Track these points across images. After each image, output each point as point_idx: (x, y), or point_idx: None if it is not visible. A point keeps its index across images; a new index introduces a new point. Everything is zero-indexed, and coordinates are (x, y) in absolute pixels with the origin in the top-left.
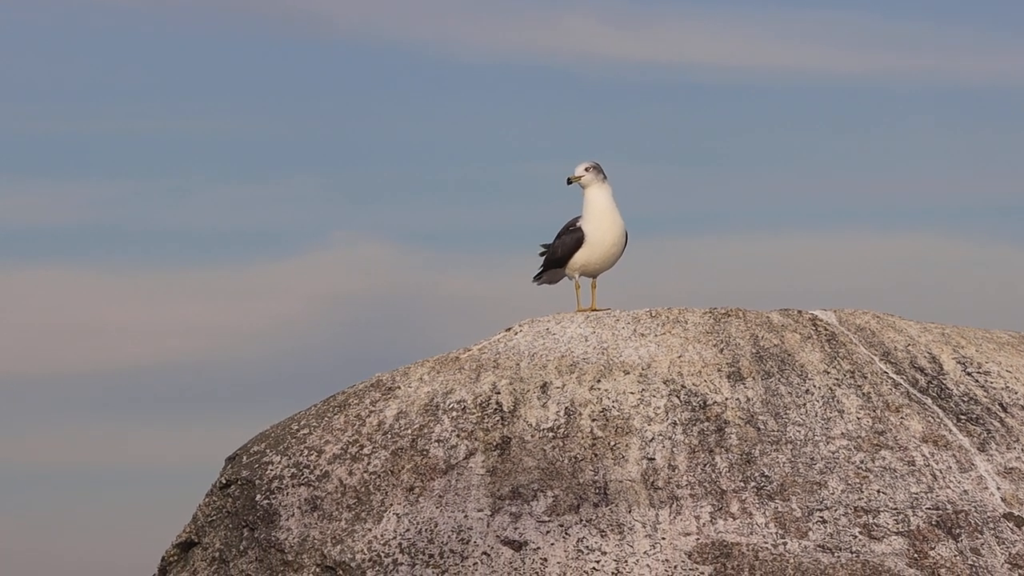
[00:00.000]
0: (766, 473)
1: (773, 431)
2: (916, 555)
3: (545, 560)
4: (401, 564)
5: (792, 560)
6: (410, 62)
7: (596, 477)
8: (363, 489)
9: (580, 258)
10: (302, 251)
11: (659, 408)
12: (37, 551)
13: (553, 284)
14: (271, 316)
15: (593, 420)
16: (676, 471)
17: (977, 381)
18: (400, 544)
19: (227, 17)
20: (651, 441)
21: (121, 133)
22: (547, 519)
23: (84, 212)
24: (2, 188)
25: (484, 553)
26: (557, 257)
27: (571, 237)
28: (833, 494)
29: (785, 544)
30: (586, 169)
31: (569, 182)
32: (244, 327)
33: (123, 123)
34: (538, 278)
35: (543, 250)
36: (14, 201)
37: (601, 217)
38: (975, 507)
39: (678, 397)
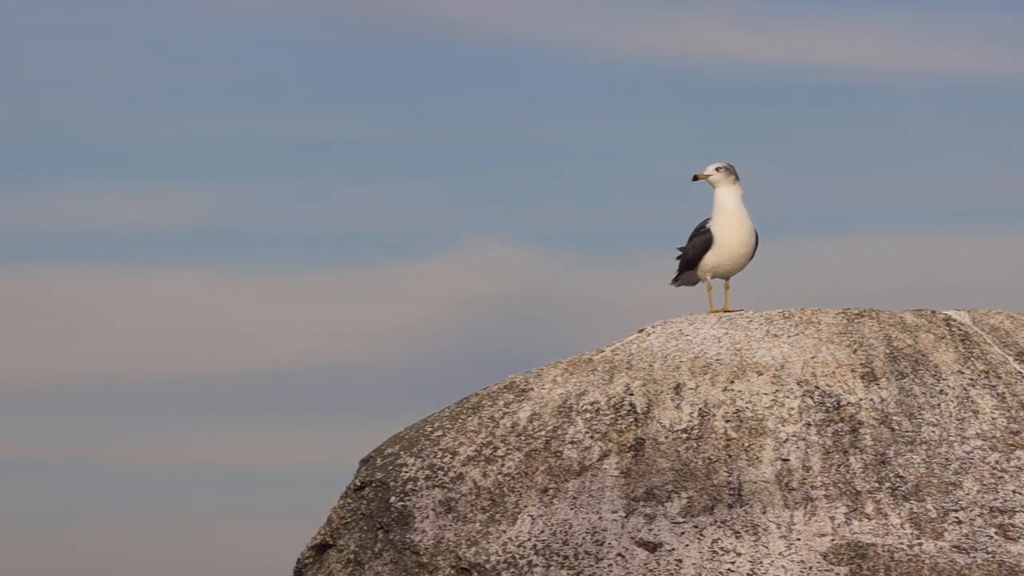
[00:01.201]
0: (901, 474)
1: (907, 432)
2: None
3: (680, 561)
4: (536, 566)
5: (928, 561)
6: (540, 64)
7: (730, 478)
8: (497, 491)
9: (710, 260)
10: (433, 254)
11: (793, 409)
12: (173, 553)
13: (692, 286)
14: (403, 319)
15: (727, 421)
16: (810, 472)
17: None
18: (535, 546)
19: (358, 21)
20: (785, 442)
21: (253, 136)
22: (681, 520)
23: (216, 215)
24: (133, 191)
25: (619, 554)
26: (688, 259)
27: (700, 239)
28: (968, 494)
29: (920, 545)
30: (716, 169)
31: (695, 179)
32: (376, 330)
33: (254, 126)
34: (676, 280)
35: (679, 253)
36: (146, 204)
37: (729, 218)
38: None
39: (812, 398)
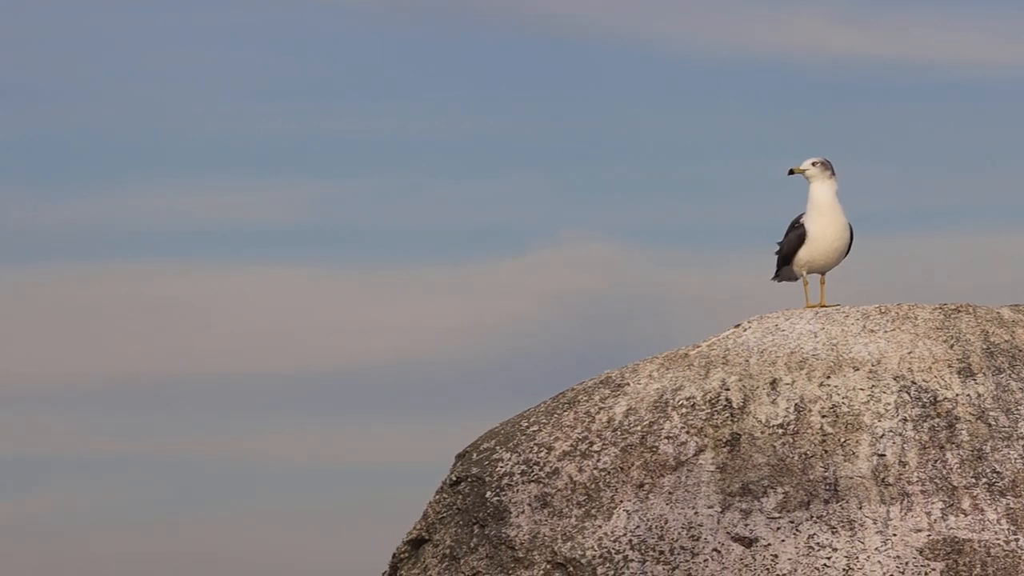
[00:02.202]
0: (997, 469)
1: (1004, 427)
2: None
3: (775, 557)
4: (631, 561)
5: None
6: (640, 60)
7: (826, 474)
8: (593, 486)
9: (804, 255)
10: (531, 249)
11: (889, 404)
12: (270, 549)
13: (792, 282)
14: (500, 314)
15: (823, 416)
16: (907, 467)
17: None
18: (630, 541)
19: (459, 17)
20: (881, 437)
21: (351, 131)
22: (777, 516)
23: (319, 210)
24: (239, 186)
25: (715, 550)
26: (783, 255)
27: (794, 234)
28: None
29: (1017, 541)
30: (812, 163)
31: (791, 172)
32: (473, 325)
33: (353, 121)
34: (776, 276)
35: (777, 248)
36: (248, 199)
37: (822, 213)
38: None
39: (908, 393)
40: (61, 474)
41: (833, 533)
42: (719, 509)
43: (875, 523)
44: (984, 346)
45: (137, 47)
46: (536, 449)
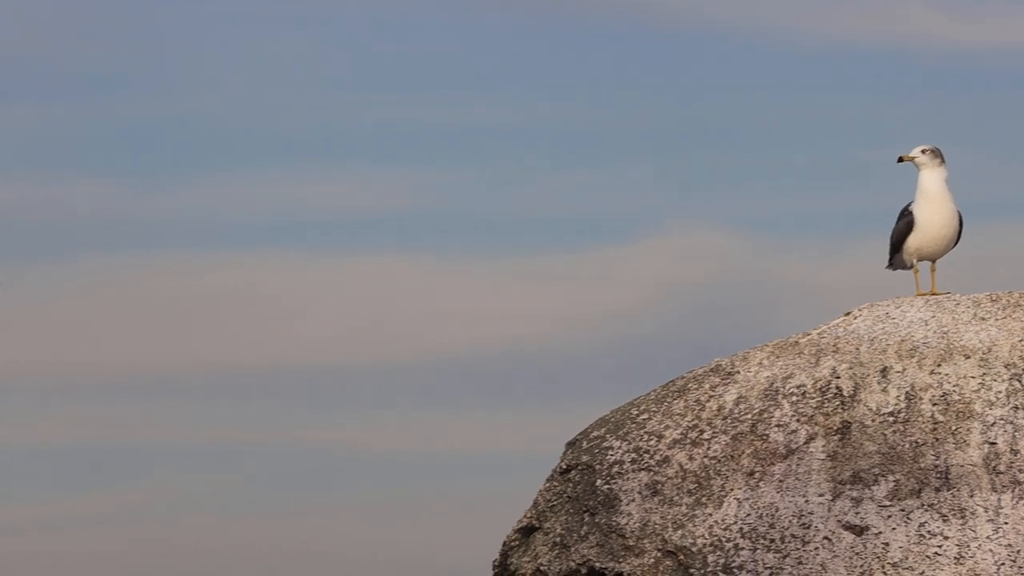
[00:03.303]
0: None
1: None
2: None
3: (887, 545)
4: (742, 549)
5: None
6: (747, 48)
7: (937, 462)
8: (703, 474)
9: (912, 242)
10: (636, 239)
11: (1000, 392)
12: (381, 537)
13: (906, 270)
14: (607, 303)
15: (934, 404)
16: (1018, 455)
17: None
18: (741, 529)
19: (570, 6)
20: (992, 425)
21: (461, 121)
22: (888, 504)
23: (430, 199)
24: (350, 175)
25: (825, 538)
26: (893, 242)
27: (903, 222)
28: None
29: None
30: (922, 151)
31: (900, 160)
32: (583, 313)
33: (462, 111)
34: (889, 264)
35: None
36: (360, 187)
37: (931, 201)
38: None
39: (1019, 381)
40: (166, 462)
41: (944, 521)
42: (830, 497)
43: (986, 511)
44: None
45: (248, 36)
46: (646, 437)
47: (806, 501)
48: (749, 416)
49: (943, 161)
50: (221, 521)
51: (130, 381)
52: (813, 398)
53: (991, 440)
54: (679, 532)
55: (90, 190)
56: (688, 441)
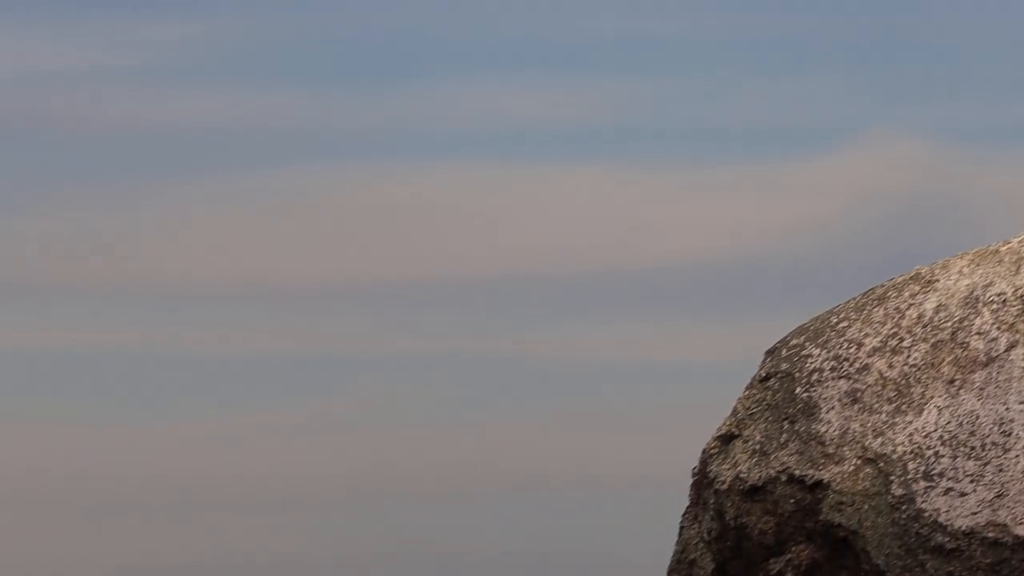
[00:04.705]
0: None
1: None
2: None
3: None
4: (942, 456)
5: None
6: None
7: None
8: (903, 382)
9: None
10: (837, 148)
11: None
12: (574, 450)
13: None
14: (807, 212)
15: None
16: None
17: None
18: (941, 436)
19: None
20: None
21: (662, 30)
22: None
23: (625, 111)
24: (549, 85)
25: None
26: None
27: None
28: None
29: None
30: None
31: None
32: (782, 223)
33: (666, 21)
34: None
35: None
36: (558, 98)
37: None
38: None
39: None
40: (366, 373)
41: None
42: None
43: None
44: None
45: None
46: (846, 345)
47: (1007, 409)
48: (949, 324)
49: None
50: (414, 432)
51: (331, 291)
52: (1014, 306)
53: None
54: (879, 440)
55: (292, 101)
56: (888, 349)
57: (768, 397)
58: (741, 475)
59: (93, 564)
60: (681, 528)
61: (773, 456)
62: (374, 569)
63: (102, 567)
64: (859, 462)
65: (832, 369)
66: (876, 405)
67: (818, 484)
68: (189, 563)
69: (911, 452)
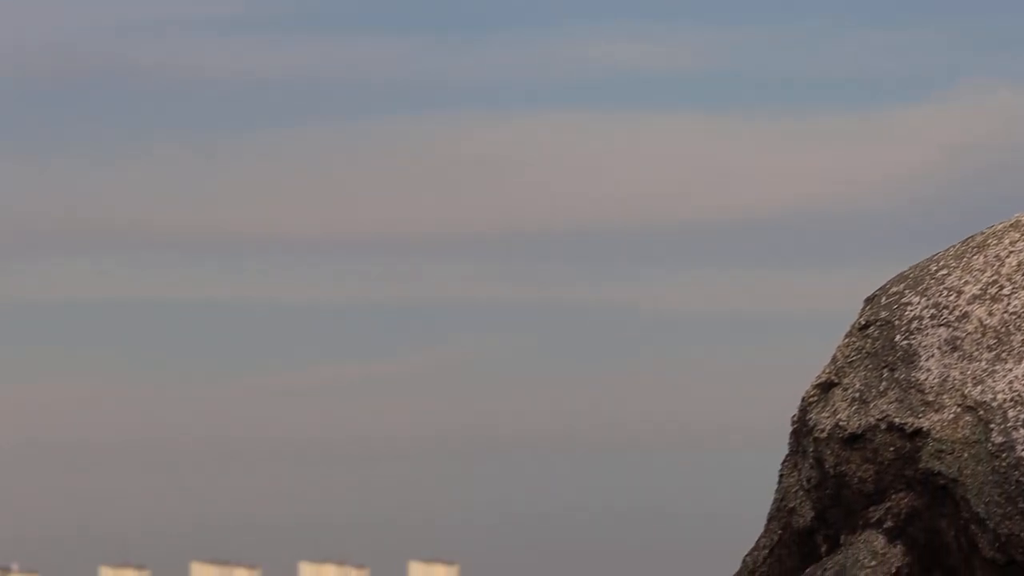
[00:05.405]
0: None
1: None
2: None
3: None
4: None
5: None
6: None
7: None
8: (1003, 330)
9: None
10: (935, 97)
11: None
12: (673, 400)
13: None
14: (905, 161)
15: None
16: None
17: None
18: None
19: None
20: None
21: None
22: None
23: (721, 59)
24: (647, 35)
25: None
26: None
27: None
28: None
29: None
30: None
31: None
32: (878, 172)
33: None
34: None
35: None
36: (657, 47)
37: None
38: None
39: None
40: (466, 321)
41: None
42: None
43: None
44: None
45: None
46: (945, 293)
47: None
48: None
49: None
50: (513, 381)
51: (431, 241)
52: None
53: None
54: (979, 388)
55: (393, 51)
56: (988, 297)
57: (867, 345)
58: (840, 423)
59: (204, 514)
60: (780, 476)
61: (872, 404)
62: (478, 521)
63: (212, 517)
64: (959, 410)
65: (932, 317)
66: (976, 353)
67: (918, 432)
68: (280, 514)
69: (1011, 400)
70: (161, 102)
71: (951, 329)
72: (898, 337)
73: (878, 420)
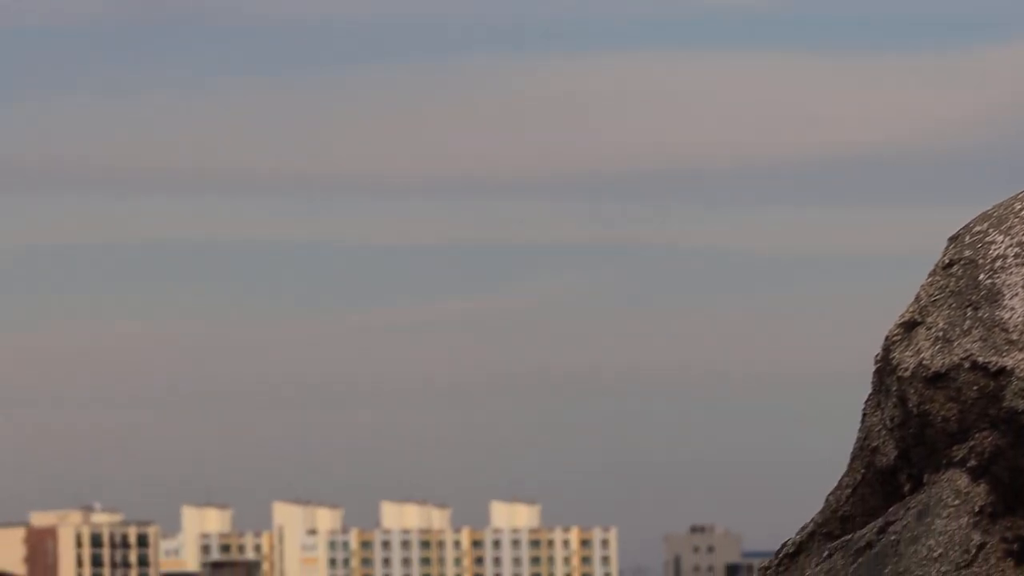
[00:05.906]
0: None
1: None
2: None
3: None
4: None
5: None
6: None
7: None
8: None
9: None
10: (1020, 38)
11: None
12: (765, 340)
13: None
14: (989, 101)
15: None
16: None
17: None
18: None
19: None
20: None
21: None
22: None
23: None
24: None
25: None
26: None
27: None
28: None
29: None
30: None
31: None
32: (961, 113)
33: None
34: None
35: None
36: None
37: None
38: None
39: None
40: (553, 260)
41: None
42: None
43: None
44: None
45: None
46: None
47: None
48: None
49: None
50: (587, 326)
51: (514, 182)
52: None
53: None
54: None
55: None
56: None
57: (951, 284)
58: (924, 362)
59: (287, 455)
60: (864, 415)
61: (956, 343)
62: (560, 462)
63: (295, 457)
64: None
65: (1016, 256)
66: None
67: (1002, 371)
68: (363, 454)
69: None
70: (248, 44)
71: None
72: (982, 276)
73: (962, 359)
